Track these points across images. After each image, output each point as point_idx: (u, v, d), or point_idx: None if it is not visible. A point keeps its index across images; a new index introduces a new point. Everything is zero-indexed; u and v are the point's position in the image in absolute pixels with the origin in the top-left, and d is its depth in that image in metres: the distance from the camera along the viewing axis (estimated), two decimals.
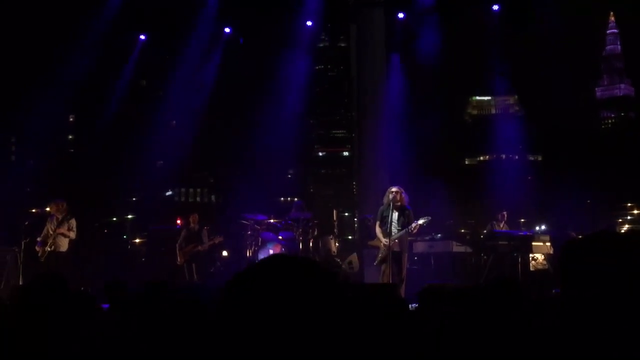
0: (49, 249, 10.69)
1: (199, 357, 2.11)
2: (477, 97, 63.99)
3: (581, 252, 1.82)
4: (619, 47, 66.32)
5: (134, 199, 21.07)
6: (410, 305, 4.85)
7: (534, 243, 11.91)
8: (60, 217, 10.83)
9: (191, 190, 43.31)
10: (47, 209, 11.00)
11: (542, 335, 1.96)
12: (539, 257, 12.06)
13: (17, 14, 15.42)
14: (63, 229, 10.76)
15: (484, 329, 2.31)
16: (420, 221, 10.01)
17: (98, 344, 2.80)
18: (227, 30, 17.64)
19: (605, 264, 1.76)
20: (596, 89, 65.40)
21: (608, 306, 1.74)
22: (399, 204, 10.06)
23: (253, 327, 1.50)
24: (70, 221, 10.84)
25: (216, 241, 12.97)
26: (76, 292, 3.74)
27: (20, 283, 10.21)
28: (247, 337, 1.50)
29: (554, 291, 6.50)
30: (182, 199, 40.90)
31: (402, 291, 9.50)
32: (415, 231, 10.20)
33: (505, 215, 13.28)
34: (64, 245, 10.82)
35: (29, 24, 16.12)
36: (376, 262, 10.42)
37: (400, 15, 16.82)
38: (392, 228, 9.95)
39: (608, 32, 63.56)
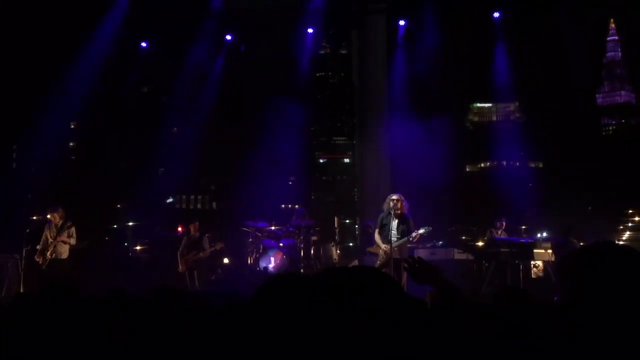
0: (49, 257, 10.67)
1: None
2: (478, 104, 63.97)
3: (580, 263, 1.82)
4: (620, 53, 66.34)
5: (134, 206, 21.06)
6: None
7: (535, 250, 11.88)
8: (59, 224, 10.81)
9: (192, 197, 43.27)
10: (48, 216, 10.97)
11: (548, 343, 1.96)
12: (540, 264, 12.04)
13: (19, 22, 15.47)
14: (63, 237, 10.72)
15: (495, 336, 2.31)
16: (421, 231, 10.01)
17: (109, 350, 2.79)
18: (228, 37, 17.69)
19: (604, 274, 1.76)
20: (597, 95, 65.35)
21: (609, 315, 1.74)
22: (399, 211, 10.06)
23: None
24: (70, 228, 10.81)
25: (217, 247, 12.92)
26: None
27: (21, 290, 10.19)
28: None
29: (555, 298, 6.50)
30: (183, 205, 40.83)
31: None
32: (415, 240, 10.20)
33: (504, 224, 13.20)
34: (64, 252, 10.78)
35: (30, 32, 16.16)
36: None
37: (402, 22, 16.87)
38: (392, 236, 9.95)
39: (608, 38, 63.53)
